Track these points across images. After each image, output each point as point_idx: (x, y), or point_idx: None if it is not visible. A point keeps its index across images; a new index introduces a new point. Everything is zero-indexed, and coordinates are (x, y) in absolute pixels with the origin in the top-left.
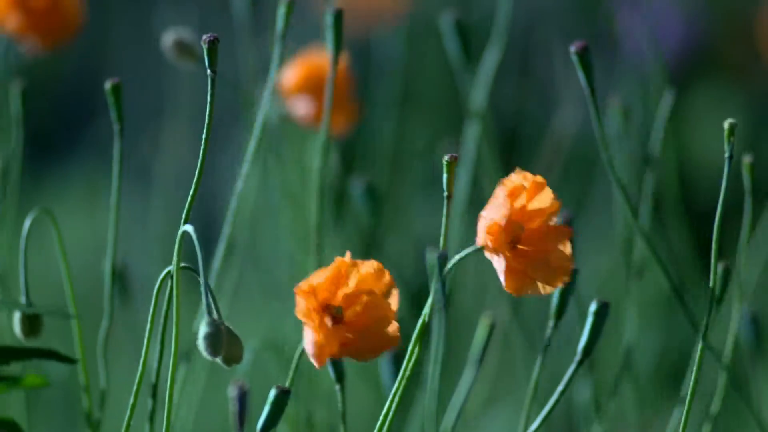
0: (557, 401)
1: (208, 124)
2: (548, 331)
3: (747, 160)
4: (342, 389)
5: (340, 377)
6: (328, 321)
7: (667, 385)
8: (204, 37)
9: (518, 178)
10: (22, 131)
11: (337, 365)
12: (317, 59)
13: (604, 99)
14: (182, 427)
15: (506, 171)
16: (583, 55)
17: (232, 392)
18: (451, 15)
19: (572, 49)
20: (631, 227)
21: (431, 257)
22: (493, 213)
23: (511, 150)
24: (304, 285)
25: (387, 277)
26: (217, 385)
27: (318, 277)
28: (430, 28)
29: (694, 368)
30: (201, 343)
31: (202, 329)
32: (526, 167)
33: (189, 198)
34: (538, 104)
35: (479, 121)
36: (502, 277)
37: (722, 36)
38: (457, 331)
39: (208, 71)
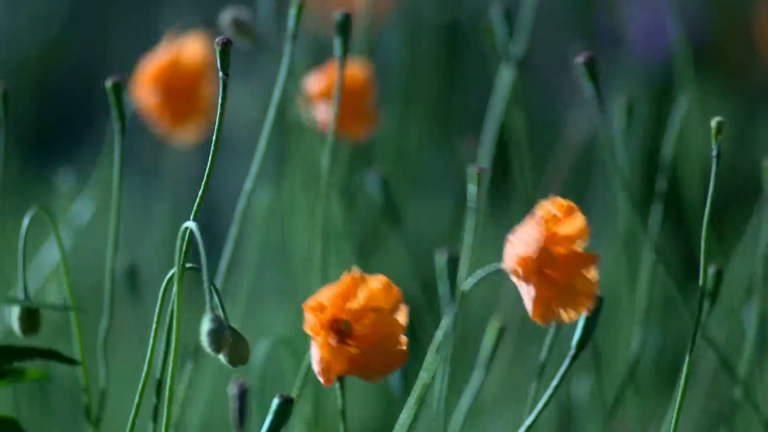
0: (552, 395)
1: (219, 125)
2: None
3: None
4: (342, 387)
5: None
6: (335, 338)
7: (668, 383)
8: (216, 39)
9: (550, 204)
10: (13, 130)
11: None
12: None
13: (605, 98)
14: (189, 426)
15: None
16: (590, 65)
17: (232, 390)
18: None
19: (578, 60)
20: (633, 228)
21: (441, 260)
22: (526, 244)
23: (513, 149)
24: (312, 301)
25: (395, 292)
26: (228, 384)
27: (326, 294)
28: (428, 26)
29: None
30: (204, 339)
31: (205, 325)
32: (535, 167)
33: (200, 193)
34: (539, 102)
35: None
36: (529, 305)
37: (720, 34)
38: (462, 331)
39: (220, 73)
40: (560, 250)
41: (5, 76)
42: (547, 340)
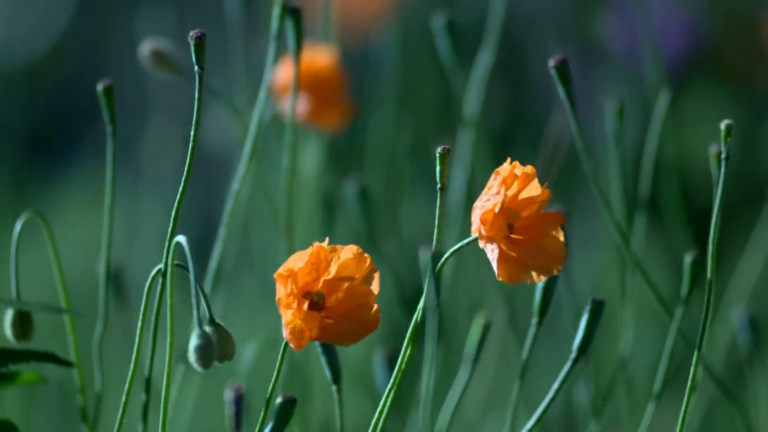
0: (553, 399)
1: (197, 120)
2: (533, 328)
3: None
4: (339, 390)
5: (336, 378)
6: (306, 306)
7: (663, 385)
8: (191, 33)
9: (510, 167)
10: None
11: (333, 366)
12: (308, 57)
13: (602, 100)
14: (178, 426)
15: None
16: (562, 68)
17: (228, 395)
18: (443, 16)
19: (551, 63)
20: (624, 229)
21: (424, 256)
22: (487, 201)
23: (506, 151)
24: (282, 270)
25: (368, 261)
26: (216, 384)
27: (295, 262)
28: (424, 27)
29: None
30: (191, 356)
31: (192, 341)
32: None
33: (178, 196)
34: (532, 104)
35: (473, 123)
36: (495, 266)
37: (724, 37)
38: (455, 332)
39: (196, 68)
40: (525, 213)
41: (7, 79)
42: (528, 341)
